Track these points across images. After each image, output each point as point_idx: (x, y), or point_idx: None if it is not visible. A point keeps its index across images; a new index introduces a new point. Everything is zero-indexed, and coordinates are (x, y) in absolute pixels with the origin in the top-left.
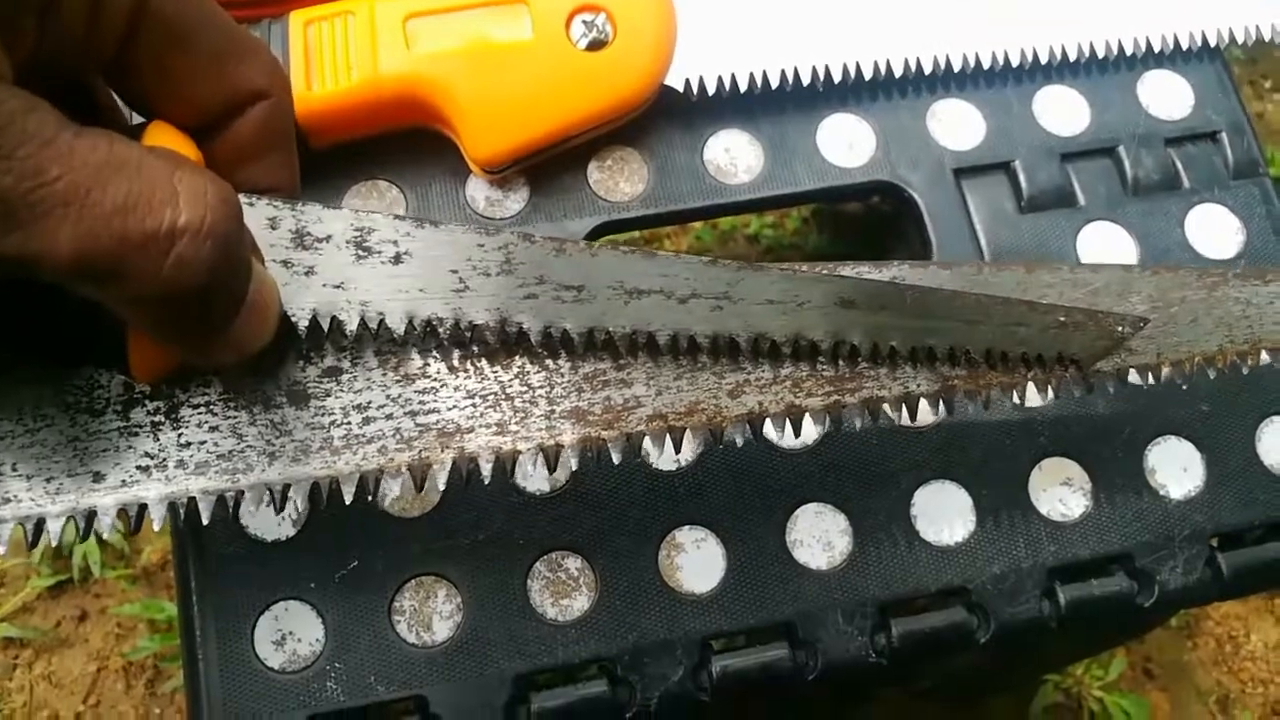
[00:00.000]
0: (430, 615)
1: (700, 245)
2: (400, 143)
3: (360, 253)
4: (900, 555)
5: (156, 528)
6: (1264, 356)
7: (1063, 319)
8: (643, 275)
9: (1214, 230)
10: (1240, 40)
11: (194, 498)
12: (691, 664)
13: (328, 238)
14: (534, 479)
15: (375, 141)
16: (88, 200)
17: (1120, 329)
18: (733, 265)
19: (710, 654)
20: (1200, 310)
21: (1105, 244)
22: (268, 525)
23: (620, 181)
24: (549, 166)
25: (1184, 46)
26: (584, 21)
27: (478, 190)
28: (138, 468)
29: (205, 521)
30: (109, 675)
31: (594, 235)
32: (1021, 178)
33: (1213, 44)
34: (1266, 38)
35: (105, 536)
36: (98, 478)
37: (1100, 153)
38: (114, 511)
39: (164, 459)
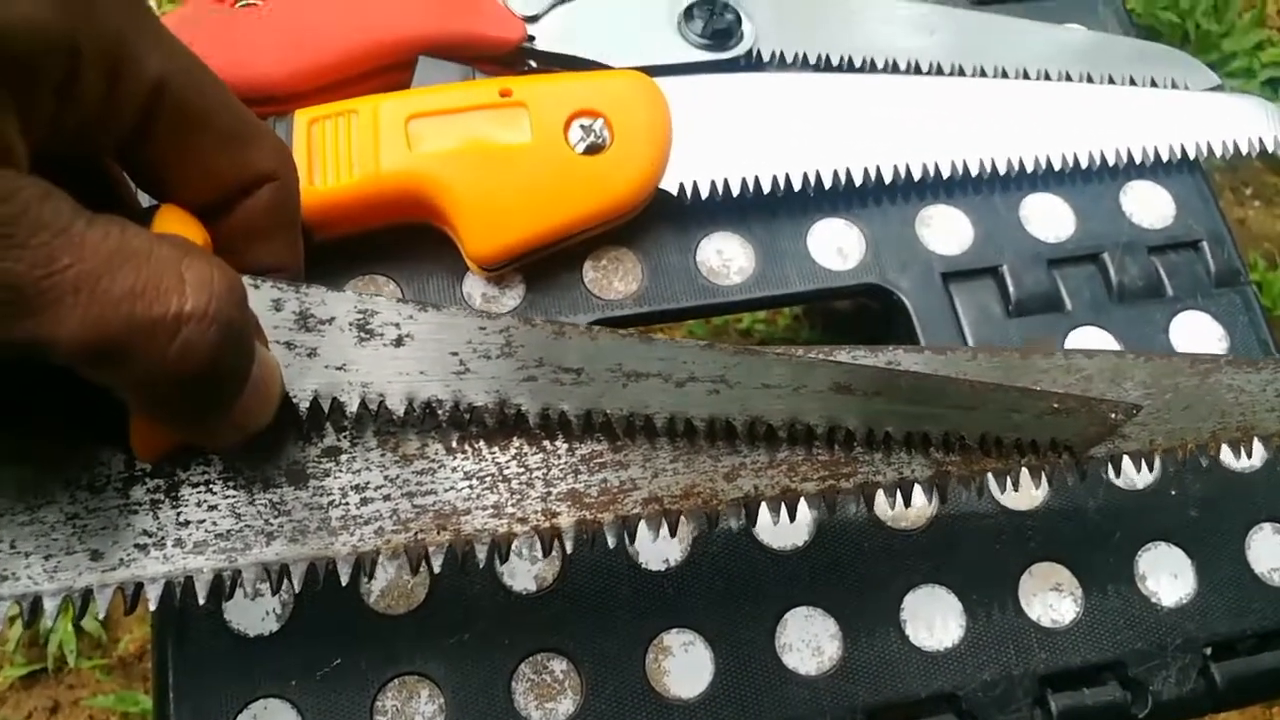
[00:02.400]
0: (412, 716)
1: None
2: (399, 239)
3: (363, 335)
4: (890, 660)
5: (153, 607)
6: (1256, 445)
7: (1056, 405)
8: (641, 359)
9: (1198, 336)
10: (1219, 154)
11: (191, 576)
12: None
13: (331, 320)
14: (520, 577)
15: (374, 237)
16: (97, 287)
17: (1114, 415)
18: (729, 350)
19: None
20: (1193, 397)
21: (1091, 349)
22: (250, 620)
23: (615, 280)
24: (545, 265)
25: (1164, 159)
26: (582, 126)
27: (474, 287)
28: (136, 546)
29: (202, 601)
30: None
31: None
32: (1009, 282)
33: (1192, 156)
34: (1244, 151)
35: (100, 616)
36: (95, 556)
37: (1086, 259)
38: (111, 590)
39: (162, 537)
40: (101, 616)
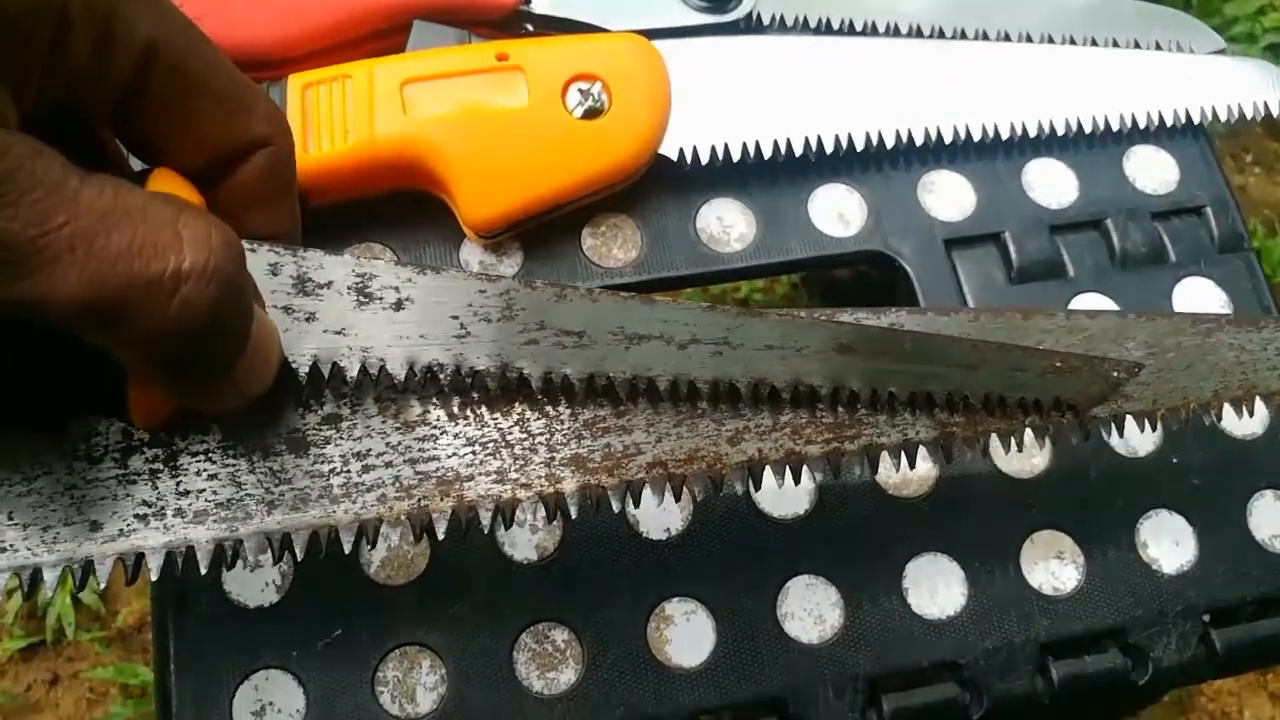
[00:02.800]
0: (414, 686)
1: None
2: (395, 206)
3: (361, 299)
4: (892, 628)
5: (154, 577)
6: (1259, 407)
7: (1059, 364)
8: (643, 321)
9: (1201, 302)
10: (1223, 118)
11: (192, 546)
12: None
13: (329, 284)
14: (521, 546)
15: (370, 204)
16: (93, 245)
17: (1116, 374)
18: (731, 311)
19: None
20: (1195, 356)
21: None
22: (251, 591)
23: (614, 248)
24: (543, 232)
25: (1168, 124)
26: (580, 90)
27: (471, 254)
28: (135, 516)
29: (204, 571)
30: None
31: None
32: (1011, 249)
33: (1196, 121)
34: (1249, 115)
35: (101, 587)
36: (95, 527)
37: (1088, 225)
38: (111, 561)
39: (162, 507)
40: (102, 588)
